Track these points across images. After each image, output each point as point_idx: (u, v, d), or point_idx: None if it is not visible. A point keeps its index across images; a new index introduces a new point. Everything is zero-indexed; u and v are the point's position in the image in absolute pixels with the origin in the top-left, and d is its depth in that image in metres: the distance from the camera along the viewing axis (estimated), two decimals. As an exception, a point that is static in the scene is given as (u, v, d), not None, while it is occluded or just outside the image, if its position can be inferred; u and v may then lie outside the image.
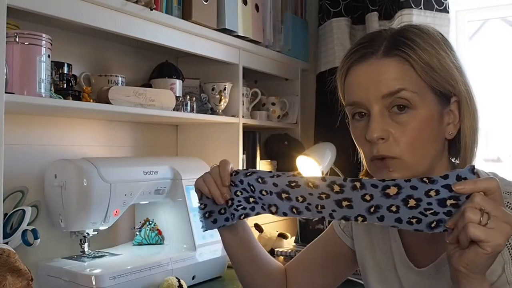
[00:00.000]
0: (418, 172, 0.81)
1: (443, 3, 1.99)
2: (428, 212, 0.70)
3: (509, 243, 0.75)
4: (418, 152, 0.81)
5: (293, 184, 0.80)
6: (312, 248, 1.08)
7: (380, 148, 0.81)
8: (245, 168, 1.81)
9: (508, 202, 0.78)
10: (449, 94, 0.83)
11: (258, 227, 1.83)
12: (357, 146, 0.88)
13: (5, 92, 1.06)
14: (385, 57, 0.81)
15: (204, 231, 0.90)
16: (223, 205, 0.87)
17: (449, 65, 0.82)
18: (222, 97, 1.73)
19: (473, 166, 0.69)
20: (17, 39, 1.12)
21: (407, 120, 0.80)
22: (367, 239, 0.98)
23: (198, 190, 0.90)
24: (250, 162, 1.85)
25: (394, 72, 0.81)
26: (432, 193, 0.69)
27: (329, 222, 1.08)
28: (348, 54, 0.86)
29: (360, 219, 0.75)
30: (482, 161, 0.89)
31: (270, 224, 1.96)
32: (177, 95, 1.60)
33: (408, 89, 0.80)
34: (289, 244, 1.79)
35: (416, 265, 0.88)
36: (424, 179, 0.70)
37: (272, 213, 0.84)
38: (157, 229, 1.56)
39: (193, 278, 1.47)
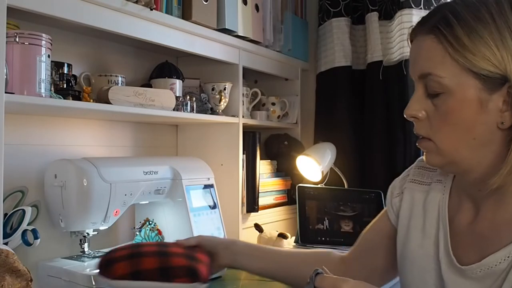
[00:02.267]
0: (454, 160, 0.79)
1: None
2: None
3: None
4: (450, 138, 0.77)
5: None
6: (369, 228, 1.03)
7: (416, 126, 0.82)
8: (243, 167, 1.82)
9: None
10: (501, 77, 0.73)
11: (258, 227, 1.83)
12: None
13: (5, 92, 1.06)
14: (427, 34, 0.78)
15: None
16: None
17: (500, 45, 0.72)
18: (222, 97, 1.73)
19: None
20: (17, 39, 1.12)
21: (440, 103, 0.77)
22: (416, 217, 0.91)
23: None
24: (250, 162, 1.85)
25: (426, 52, 0.78)
26: None
27: None
28: (411, 27, 0.84)
29: None
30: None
31: (270, 224, 1.96)
32: (177, 95, 1.60)
33: (435, 74, 0.76)
34: (289, 244, 1.79)
35: (459, 260, 0.82)
36: None
37: None
38: (157, 229, 1.55)
39: (193, 278, 1.47)
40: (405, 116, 0.82)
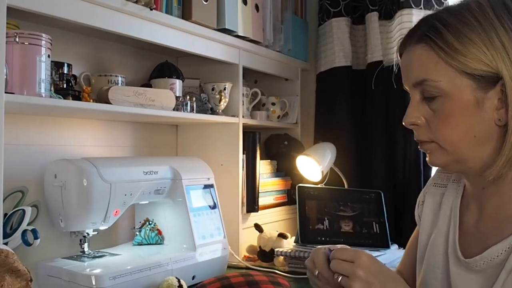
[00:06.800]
0: (458, 158, 0.82)
1: (443, 3, 1.99)
2: None
3: None
4: (452, 138, 0.81)
5: None
6: (410, 242, 1.05)
7: (416, 133, 0.86)
8: (243, 167, 1.82)
9: None
10: (494, 76, 0.77)
11: (258, 227, 1.83)
12: None
13: (5, 92, 1.06)
14: (417, 44, 0.82)
15: None
16: None
17: (489, 45, 0.77)
18: (222, 97, 1.73)
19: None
20: (17, 39, 1.12)
21: (438, 107, 0.81)
22: (435, 220, 0.95)
23: None
24: (250, 162, 1.85)
25: (419, 60, 0.82)
26: None
27: None
28: (400, 40, 0.88)
29: None
30: None
31: (270, 224, 1.96)
32: (177, 95, 1.60)
33: (430, 79, 0.80)
34: (289, 244, 1.79)
35: (464, 255, 0.86)
36: None
37: None
38: (157, 229, 1.56)
39: (193, 278, 1.47)
40: (404, 124, 0.86)
